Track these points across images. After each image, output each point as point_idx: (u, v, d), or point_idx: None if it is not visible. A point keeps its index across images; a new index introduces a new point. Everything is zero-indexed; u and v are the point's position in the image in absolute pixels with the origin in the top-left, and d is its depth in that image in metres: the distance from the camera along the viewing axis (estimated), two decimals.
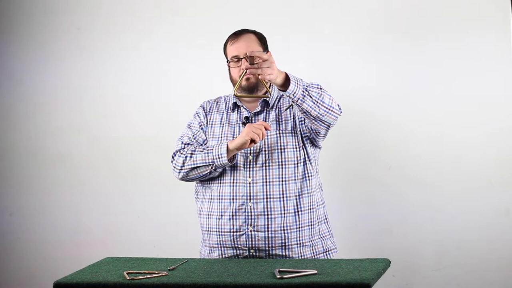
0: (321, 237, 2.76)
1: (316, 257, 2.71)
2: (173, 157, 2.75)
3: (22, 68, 3.67)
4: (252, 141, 2.61)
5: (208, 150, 2.67)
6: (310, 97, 2.54)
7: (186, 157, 2.70)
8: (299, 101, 2.53)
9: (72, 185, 3.63)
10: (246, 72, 2.52)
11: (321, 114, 2.58)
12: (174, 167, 2.74)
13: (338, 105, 2.63)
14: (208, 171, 2.68)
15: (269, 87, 2.77)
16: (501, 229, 3.23)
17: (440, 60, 3.27)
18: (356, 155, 3.36)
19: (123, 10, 3.57)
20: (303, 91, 2.52)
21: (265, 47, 2.79)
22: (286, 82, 2.50)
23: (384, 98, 3.32)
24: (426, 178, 3.29)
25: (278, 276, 2.20)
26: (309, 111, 2.56)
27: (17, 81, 3.67)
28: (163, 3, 3.53)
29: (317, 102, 2.56)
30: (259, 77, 2.46)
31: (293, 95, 2.51)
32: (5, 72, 3.69)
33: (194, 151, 2.70)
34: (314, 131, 2.69)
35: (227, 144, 2.63)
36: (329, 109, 2.59)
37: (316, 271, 2.25)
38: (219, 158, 2.64)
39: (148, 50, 3.55)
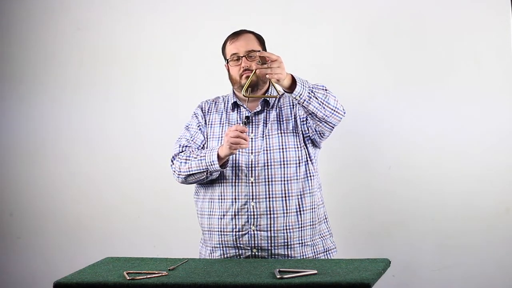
0: (322, 237, 2.76)
1: (316, 256, 2.72)
2: (172, 161, 2.75)
3: (22, 68, 3.67)
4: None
5: (201, 156, 2.67)
6: (316, 98, 2.54)
7: (181, 163, 2.71)
8: (305, 102, 2.53)
9: (72, 185, 3.63)
10: (255, 72, 2.52)
11: (326, 115, 2.59)
12: (174, 172, 2.75)
13: (342, 106, 2.64)
14: (204, 176, 2.68)
15: (270, 87, 2.78)
16: (501, 229, 3.23)
17: (440, 60, 3.27)
18: (356, 155, 3.36)
19: (122, 10, 3.57)
20: (309, 93, 2.52)
21: (263, 47, 2.80)
22: (292, 84, 2.51)
23: (384, 98, 3.32)
24: (426, 178, 3.29)
25: (278, 276, 2.20)
26: (315, 113, 2.57)
27: (17, 81, 3.67)
28: (162, 4, 3.53)
29: (323, 103, 2.56)
30: (268, 77, 2.46)
31: (299, 96, 2.51)
32: (5, 72, 3.69)
33: (189, 157, 2.70)
34: (318, 133, 2.70)
35: (218, 151, 2.63)
36: (334, 110, 2.60)
37: (316, 271, 2.25)
38: (211, 164, 2.64)
39: (147, 49, 3.55)
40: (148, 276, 2.26)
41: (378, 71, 3.33)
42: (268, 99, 2.77)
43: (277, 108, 2.77)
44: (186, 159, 2.70)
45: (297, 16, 3.40)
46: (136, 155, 3.56)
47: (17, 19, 3.66)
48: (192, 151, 2.73)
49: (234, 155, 2.69)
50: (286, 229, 2.67)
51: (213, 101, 2.88)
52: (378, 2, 3.32)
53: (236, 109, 2.80)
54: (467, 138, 3.25)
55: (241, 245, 2.67)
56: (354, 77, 3.35)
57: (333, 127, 2.68)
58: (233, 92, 2.83)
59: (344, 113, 2.66)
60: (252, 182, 2.68)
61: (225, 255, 2.70)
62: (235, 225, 2.68)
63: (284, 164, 2.69)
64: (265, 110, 2.77)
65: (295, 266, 2.36)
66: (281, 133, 2.72)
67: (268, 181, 2.68)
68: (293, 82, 2.51)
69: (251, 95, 2.69)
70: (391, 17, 3.32)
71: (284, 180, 2.68)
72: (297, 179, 2.70)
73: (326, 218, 2.80)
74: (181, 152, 2.75)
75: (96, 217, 3.60)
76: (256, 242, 2.66)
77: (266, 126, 2.74)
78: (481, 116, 3.24)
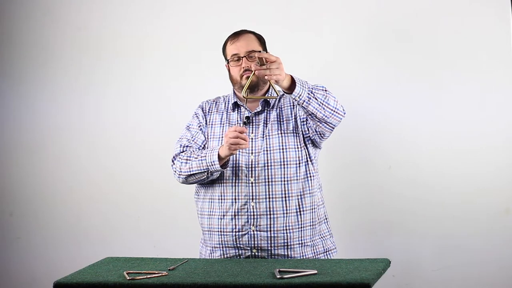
0: (322, 237, 2.76)
1: (316, 257, 2.72)
2: (173, 161, 2.75)
3: (22, 68, 3.67)
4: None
5: (201, 157, 2.67)
6: (316, 99, 2.54)
7: (182, 163, 2.71)
8: (304, 103, 2.53)
9: (72, 185, 3.63)
10: (254, 73, 2.51)
11: (326, 116, 2.59)
12: (174, 172, 2.74)
13: (342, 107, 2.64)
14: (205, 176, 2.68)
15: (270, 88, 2.78)
16: (501, 229, 3.23)
17: (440, 60, 3.27)
18: (356, 155, 3.36)
19: (122, 10, 3.57)
20: (309, 94, 2.52)
21: (264, 47, 2.80)
22: (291, 85, 2.51)
23: (384, 98, 3.32)
24: (426, 178, 3.29)
25: (278, 276, 2.20)
26: (314, 113, 2.57)
27: (17, 81, 3.67)
28: (162, 4, 3.53)
29: (322, 104, 2.56)
30: (266, 78, 2.46)
31: (298, 97, 2.51)
32: (5, 72, 3.69)
33: (190, 157, 2.70)
34: (319, 133, 2.70)
35: (218, 151, 2.63)
36: (334, 111, 2.60)
37: (316, 271, 2.25)
38: (212, 165, 2.64)
39: (147, 50, 3.55)
40: (148, 276, 2.26)
41: (378, 71, 3.33)
42: (268, 99, 2.77)
43: (278, 109, 2.77)
44: (186, 159, 2.70)
45: (297, 16, 3.39)
46: (136, 155, 3.56)
47: (17, 19, 3.66)
48: (193, 151, 2.73)
49: (234, 155, 2.69)
50: (286, 230, 2.67)
51: (213, 101, 2.88)
52: (378, 3, 3.32)
53: (236, 109, 2.80)
54: (467, 138, 3.25)
55: (241, 245, 2.67)
56: (354, 78, 3.34)
57: (333, 128, 2.68)
58: (234, 92, 2.83)
59: (344, 113, 2.66)
60: (252, 183, 2.68)
61: (225, 255, 2.70)
62: (235, 225, 2.68)
63: (284, 164, 2.69)
64: (266, 111, 2.77)
65: (295, 266, 2.37)
66: (281, 133, 2.72)
67: (268, 182, 2.68)
68: (293, 82, 2.51)
69: (250, 96, 2.69)
70: (391, 18, 3.31)
71: (284, 181, 2.68)
72: (297, 179, 2.70)
73: (326, 219, 2.80)
74: (182, 152, 2.75)
75: (96, 217, 3.60)
76: (256, 242, 2.66)
77: (266, 126, 2.74)
78: (481, 116, 3.24)
